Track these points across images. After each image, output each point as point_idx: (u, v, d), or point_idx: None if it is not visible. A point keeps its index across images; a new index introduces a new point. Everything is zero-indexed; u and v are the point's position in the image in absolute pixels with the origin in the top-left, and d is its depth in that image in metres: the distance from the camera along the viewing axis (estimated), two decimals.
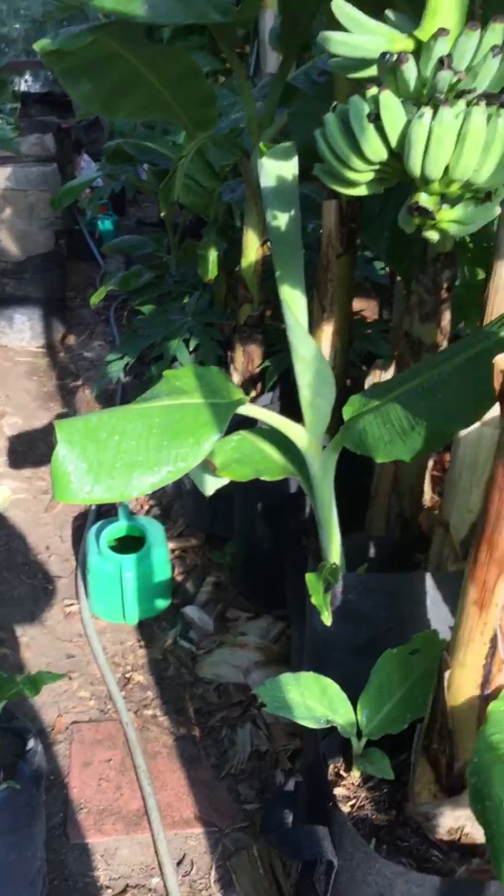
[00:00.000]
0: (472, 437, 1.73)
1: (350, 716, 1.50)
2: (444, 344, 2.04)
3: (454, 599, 1.39)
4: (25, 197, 4.08)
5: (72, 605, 2.59)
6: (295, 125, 2.40)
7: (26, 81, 6.77)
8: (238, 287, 2.75)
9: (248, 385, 2.81)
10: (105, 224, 5.64)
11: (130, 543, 2.58)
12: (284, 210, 1.51)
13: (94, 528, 2.58)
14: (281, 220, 1.52)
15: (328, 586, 1.64)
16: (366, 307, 4.10)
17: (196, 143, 2.39)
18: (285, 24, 2.41)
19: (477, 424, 1.54)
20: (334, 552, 1.80)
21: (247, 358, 2.78)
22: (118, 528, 2.57)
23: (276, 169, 1.49)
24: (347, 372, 2.62)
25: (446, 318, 2.02)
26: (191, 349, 2.88)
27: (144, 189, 3.61)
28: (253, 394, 2.78)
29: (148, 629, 2.51)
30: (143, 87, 2.67)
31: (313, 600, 1.60)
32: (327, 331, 2.38)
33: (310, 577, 1.63)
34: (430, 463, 2.27)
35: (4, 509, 3.01)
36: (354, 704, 1.52)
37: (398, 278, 2.59)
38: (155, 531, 2.56)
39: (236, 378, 2.80)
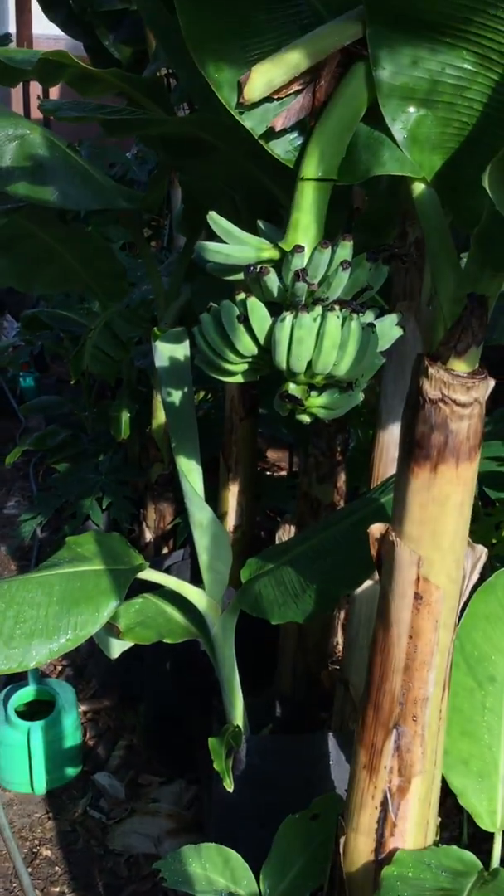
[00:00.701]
0: (367, 593, 1.80)
1: (253, 887, 1.49)
2: (341, 504, 2.14)
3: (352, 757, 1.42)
4: None
5: None
6: (198, 300, 2.58)
7: None
8: (149, 446, 2.85)
9: (160, 542, 2.87)
10: (27, 381, 5.74)
11: (40, 707, 2.53)
12: (178, 388, 1.62)
13: (1, 694, 2.52)
14: (175, 396, 1.63)
15: (231, 750, 1.66)
16: (280, 457, 4.26)
17: (103, 318, 2.53)
18: (187, 211, 2.63)
19: (372, 581, 1.62)
20: (237, 714, 1.81)
21: (158, 515, 2.84)
22: (27, 692, 2.52)
23: (169, 351, 1.61)
24: (256, 526, 2.71)
25: (342, 478, 2.14)
26: (104, 507, 2.93)
27: (61, 353, 3.75)
28: (165, 551, 2.83)
29: (57, 799, 2.43)
30: (58, 263, 2.83)
31: (215, 766, 1.61)
32: (233, 489, 2.48)
33: (212, 742, 1.64)
34: (342, 613, 2.32)
35: None
36: (258, 874, 1.50)
37: None
38: (66, 694, 2.52)
39: (148, 535, 2.85)
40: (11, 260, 2.83)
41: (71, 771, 2.47)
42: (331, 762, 1.76)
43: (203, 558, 1.71)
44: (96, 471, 3.06)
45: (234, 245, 1.21)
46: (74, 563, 1.66)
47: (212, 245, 1.21)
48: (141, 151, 4.57)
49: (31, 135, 2.35)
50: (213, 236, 1.23)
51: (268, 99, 1.17)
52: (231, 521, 2.46)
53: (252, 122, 1.18)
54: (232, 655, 1.76)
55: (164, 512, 2.84)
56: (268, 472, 4.00)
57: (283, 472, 4.04)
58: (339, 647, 2.39)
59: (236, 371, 1.22)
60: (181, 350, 1.60)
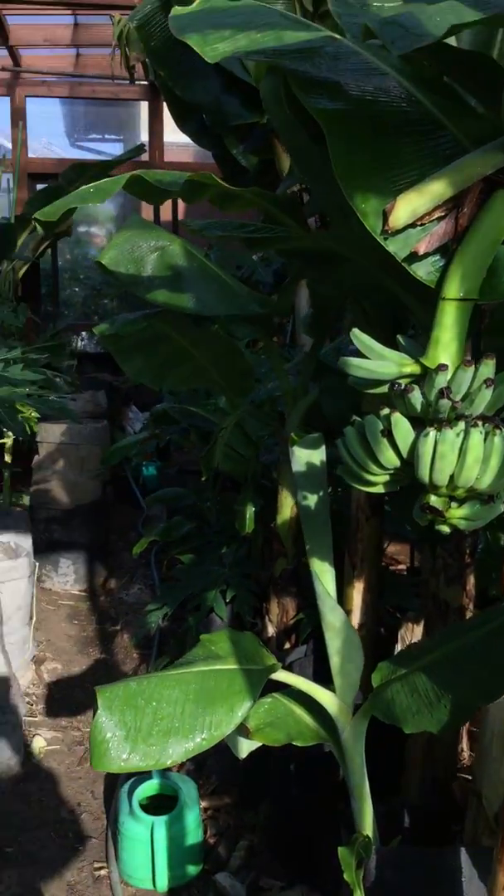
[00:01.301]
0: (502, 704, 1.76)
1: None
2: (470, 607, 2.11)
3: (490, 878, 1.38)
4: (77, 451, 4.39)
5: (101, 867, 2.51)
6: (325, 399, 2.65)
7: (81, 340, 7.41)
8: (273, 541, 2.89)
9: (282, 636, 2.87)
10: (149, 470, 5.94)
11: (163, 801, 2.54)
12: (313, 492, 1.66)
13: (126, 786, 2.55)
14: (310, 500, 1.67)
15: (360, 861, 1.62)
16: (399, 551, 4.21)
17: (234, 417, 2.62)
18: (315, 315, 2.72)
19: None
20: (366, 823, 1.78)
21: (281, 610, 2.86)
22: (150, 786, 2.54)
23: (306, 456, 1.66)
24: (380, 622, 2.69)
25: (471, 581, 2.11)
26: (228, 600, 2.97)
27: (183, 444, 3.88)
28: (287, 646, 2.84)
29: None
30: (189, 362, 2.96)
31: (346, 876, 1.58)
32: (358, 587, 2.48)
33: (342, 852, 1.61)
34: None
35: (39, 760, 2.99)
36: None
37: None
38: (188, 790, 2.53)
39: (271, 629, 2.86)
40: (147, 360, 2.99)
41: (192, 869, 2.45)
42: (463, 879, 1.69)
43: (335, 661, 1.72)
44: (220, 563, 3.11)
45: (376, 360, 1.26)
46: (209, 661, 1.69)
47: (355, 360, 1.26)
48: (266, 254, 4.75)
49: (170, 246, 2.51)
50: (337, 338, 1.28)
51: (411, 225, 1.23)
52: (356, 618, 2.46)
53: (395, 247, 1.24)
54: (362, 762, 1.74)
55: (286, 607, 2.85)
56: (388, 567, 3.96)
57: (403, 567, 4.00)
58: (465, 754, 2.32)
59: (378, 482, 1.25)
60: (318, 455, 1.65)
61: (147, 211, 7.61)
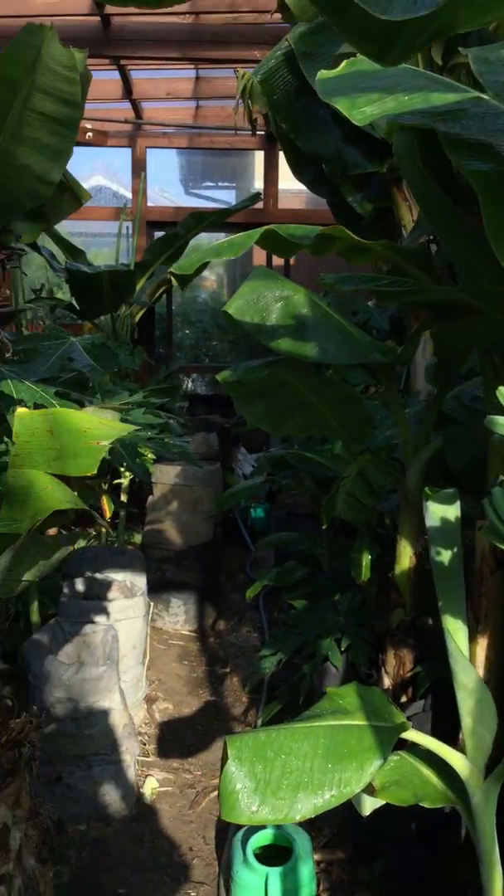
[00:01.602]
0: None
1: None
2: None
3: None
4: (191, 492, 4.47)
5: None
6: (449, 449, 2.62)
7: (193, 381, 7.57)
8: (390, 591, 2.85)
9: (398, 689, 2.82)
10: (257, 511, 5.98)
11: (276, 852, 2.51)
12: (448, 547, 1.64)
13: (239, 834, 2.54)
14: (444, 556, 1.65)
15: None
16: None
17: (356, 466, 2.62)
18: (440, 364, 2.70)
19: None
20: (496, 890, 1.72)
21: (398, 662, 2.81)
22: (264, 835, 2.52)
23: (441, 511, 1.64)
24: None
25: None
26: (343, 649, 2.94)
27: (302, 492, 3.89)
28: (404, 699, 2.78)
29: None
30: (308, 409, 2.98)
31: None
32: (482, 643, 2.41)
33: None
34: None
35: (151, 801, 3.01)
36: None
37: None
38: (302, 841, 2.50)
39: (387, 681, 2.82)
40: (267, 406, 3.02)
41: None
42: None
43: (466, 722, 1.68)
44: (334, 610, 3.09)
45: None
46: (337, 715, 1.68)
47: (501, 419, 1.25)
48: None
49: (295, 296, 2.56)
50: (457, 387, 1.26)
51: None
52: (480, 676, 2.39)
53: None
54: (493, 828, 1.68)
55: (403, 659, 2.80)
56: None
57: None
58: None
59: None
60: (452, 511, 1.63)
61: (259, 256, 7.75)
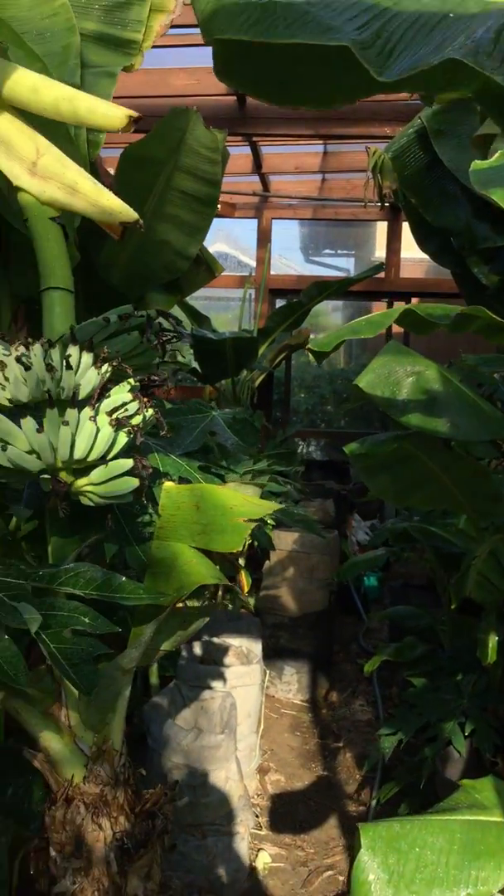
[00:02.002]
0: None
1: None
2: None
3: None
4: (308, 559, 4.46)
5: None
6: None
7: (308, 446, 7.62)
8: None
9: None
10: (370, 580, 5.91)
11: None
12: None
13: None
14: None
15: None
16: None
17: (489, 544, 2.57)
18: None
19: None
20: None
21: None
22: None
23: None
24: None
25: None
26: (466, 733, 2.85)
27: (412, 558, 3.84)
28: None
29: None
30: (434, 483, 2.95)
31: None
32: None
33: None
34: None
35: (263, 876, 2.96)
36: None
37: None
38: None
39: None
40: (393, 478, 3.01)
41: None
42: None
43: None
44: (457, 692, 3.00)
45: None
46: (474, 810, 1.63)
47: None
48: None
49: (426, 371, 2.56)
50: None
51: None
52: None
53: None
54: None
55: None
56: None
57: None
58: None
59: None
60: None
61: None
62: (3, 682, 1.27)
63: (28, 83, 1.38)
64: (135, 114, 1.38)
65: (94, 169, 2.88)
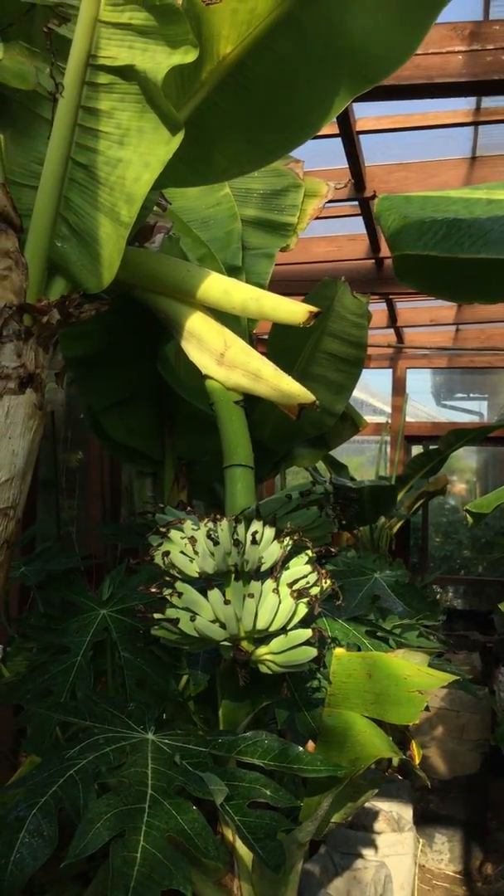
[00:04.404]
0: None
1: None
2: None
3: None
4: (458, 717, 4.29)
5: None
6: None
7: (447, 594, 7.44)
8: None
9: None
10: None
11: None
12: None
13: None
14: None
15: None
16: None
17: None
18: None
19: None
20: None
21: None
22: None
23: None
24: None
25: None
26: None
27: None
28: None
29: None
30: None
31: None
32: None
33: None
34: None
35: None
36: None
37: None
38: None
39: None
40: None
41: None
42: None
43: None
44: None
45: None
46: None
47: None
48: None
49: None
50: None
51: None
52: None
53: None
54: None
55: None
56: None
57: None
58: None
59: None
60: None
61: None
62: (188, 853, 1.30)
63: (220, 287, 1.54)
64: (315, 309, 1.51)
65: (251, 341, 3.09)
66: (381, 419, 7.24)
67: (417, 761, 3.49)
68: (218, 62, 1.36)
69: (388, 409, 7.61)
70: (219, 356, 1.55)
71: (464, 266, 1.20)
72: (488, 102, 3.79)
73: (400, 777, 4.08)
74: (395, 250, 1.17)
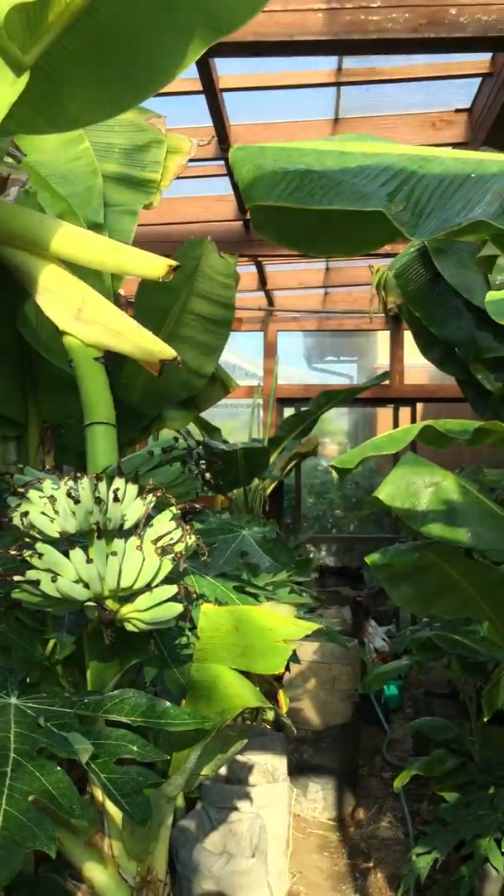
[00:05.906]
0: None
1: None
2: None
3: None
4: (329, 669, 4.42)
5: None
6: None
7: (319, 552, 7.63)
8: None
9: None
10: (390, 689, 5.82)
11: None
12: None
13: None
14: None
15: None
16: None
17: None
18: None
19: None
20: None
21: None
22: None
23: None
24: None
25: None
26: (503, 850, 2.78)
27: (435, 667, 3.82)
28: None
29: None
30: (457, 592, 2.97)
31: None
32: None
33: None
34: None
35: None
36: None
37: None
38: None
39: None
40: (415, 588, 3.03)
41: None
42: None
43: None
44: (491, 806, 2.94)
45: None
46: None
47: None
48: None
49: (444, 482, 2.63)
50: None
51: None
52: None
53: None
54: None
55: None
56: None
57: None
58: None
59: None
60: None
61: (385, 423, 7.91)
62: (53, 813, 1.28)
63: (74, 238, 1.49)
64: (174, 263, 1.49)
65: (117, 299, 3.03)
66: (254, 382, 7.29)
67: (285, 710, 3.59)
68: (66, 4, 1.30)
69: (261, 373, 7.67)
70: (76, 311, 1.51)
71: (319, 218, 1.21)
72: (350, 63, 3.82)
73: (274, 731, 4.17)
74: (249, 201, 1.16)
